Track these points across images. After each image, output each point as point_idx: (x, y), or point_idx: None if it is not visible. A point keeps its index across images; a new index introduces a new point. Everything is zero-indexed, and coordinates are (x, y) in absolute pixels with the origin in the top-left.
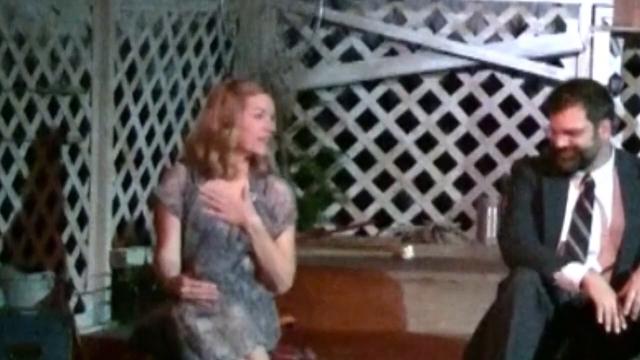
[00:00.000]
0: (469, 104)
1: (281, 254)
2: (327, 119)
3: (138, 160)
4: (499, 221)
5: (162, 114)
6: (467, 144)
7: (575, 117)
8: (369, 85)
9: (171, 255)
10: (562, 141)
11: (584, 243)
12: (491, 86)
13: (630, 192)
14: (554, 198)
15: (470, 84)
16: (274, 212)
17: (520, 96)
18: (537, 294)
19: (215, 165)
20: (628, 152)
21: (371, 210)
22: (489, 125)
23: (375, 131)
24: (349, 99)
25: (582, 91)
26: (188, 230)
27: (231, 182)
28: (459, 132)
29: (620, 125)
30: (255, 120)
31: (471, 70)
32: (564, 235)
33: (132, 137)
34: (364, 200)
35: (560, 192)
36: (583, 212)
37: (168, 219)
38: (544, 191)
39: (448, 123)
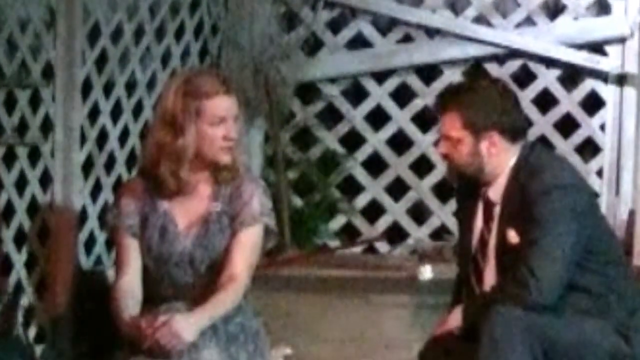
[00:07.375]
0: None
1: (230, 291)
2: (331, 116)
3: (109, 165)
4: None
5: (137, 110)
6: None
7: None
8: (380, 76)
9: (130, 284)
10: None
11: None
12: (523, 78)
13: None
14: None
15: (499, 75)
16: (239, 217)
17: (557, 90)
18: None
19: (168, 179)
20: None
21: (382, 223)
22: None
23: (388, 131)
24: (356, 93)
25: None
26: (144, 255)
27: (193, 192)
28: None
29: None
30: (213, 128)
31: (500, 59)
32: None
33: (102, 138)
34: (374, 211)
35: None
36: None
37: (125, 242)
38: None
39: None
